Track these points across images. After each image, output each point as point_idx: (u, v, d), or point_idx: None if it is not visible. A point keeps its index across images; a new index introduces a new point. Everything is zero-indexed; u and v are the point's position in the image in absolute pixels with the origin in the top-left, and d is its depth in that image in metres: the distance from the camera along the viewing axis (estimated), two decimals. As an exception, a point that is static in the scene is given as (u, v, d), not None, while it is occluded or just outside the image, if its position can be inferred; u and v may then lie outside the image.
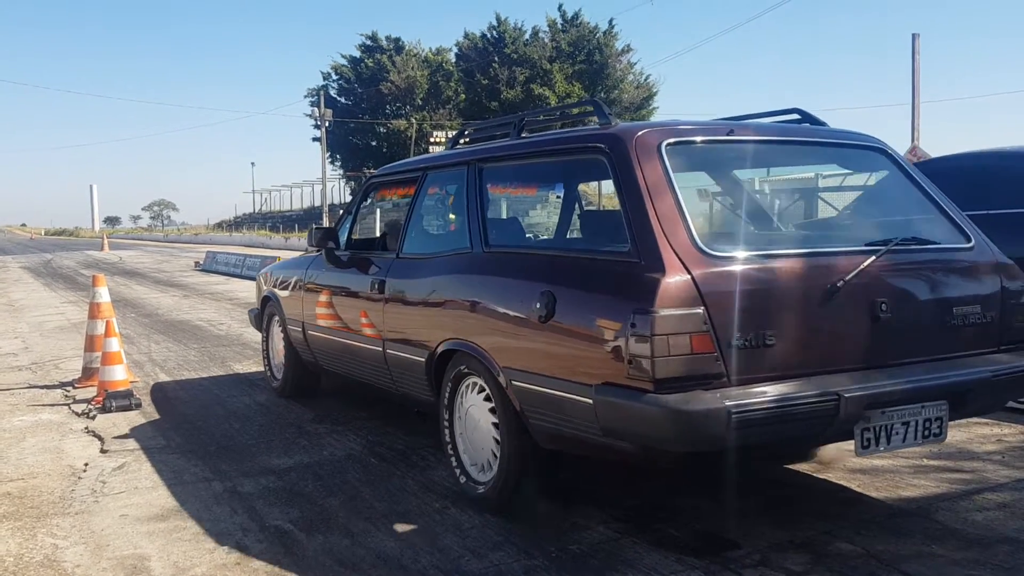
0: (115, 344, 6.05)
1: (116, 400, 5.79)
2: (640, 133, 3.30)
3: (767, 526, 3.49)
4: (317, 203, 60.50)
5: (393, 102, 60.29)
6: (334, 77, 64.24)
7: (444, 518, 3.66)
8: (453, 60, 60.38)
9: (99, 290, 6.71)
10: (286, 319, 5.88)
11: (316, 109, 51.94)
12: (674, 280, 2.81)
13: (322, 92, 56.29)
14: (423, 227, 4.83)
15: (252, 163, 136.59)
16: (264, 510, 3.81)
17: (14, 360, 8.19)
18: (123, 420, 5.56)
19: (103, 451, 4.84)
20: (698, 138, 3.49)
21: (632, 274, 2.93)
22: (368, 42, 62.47)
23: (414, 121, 56.45)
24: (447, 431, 3.95)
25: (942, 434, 3.12)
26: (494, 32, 55.98)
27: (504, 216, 4.33)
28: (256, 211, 77.27)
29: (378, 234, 5.42)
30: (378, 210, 6.70)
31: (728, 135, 3.56)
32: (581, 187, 3.77)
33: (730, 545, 3.32)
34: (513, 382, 3.36)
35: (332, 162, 61.89)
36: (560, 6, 55.77)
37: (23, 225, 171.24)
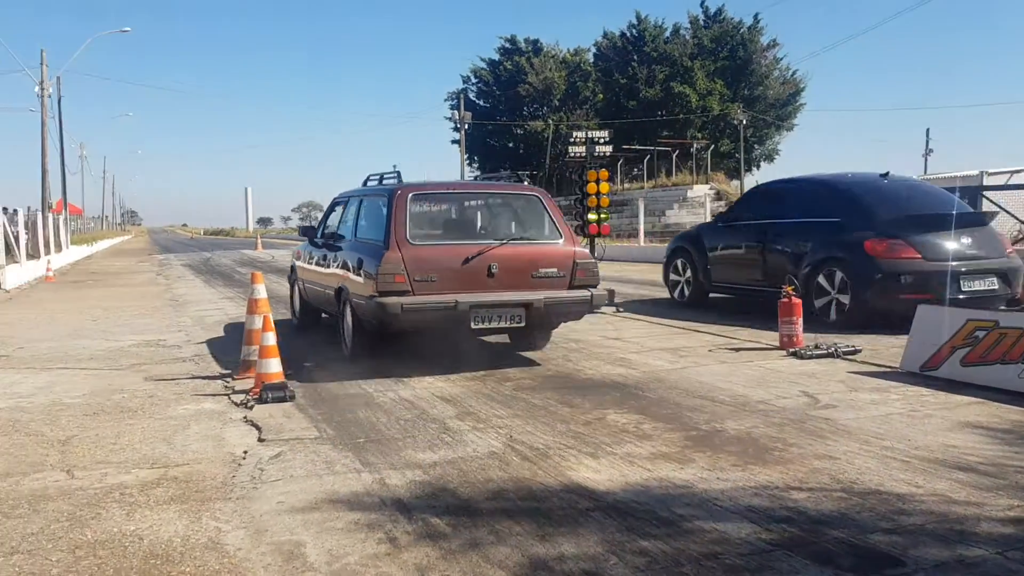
0: (272, 338, 6.36)
1: (272, 392, 6.09)
2: (399, 191, 7.28)
3: (934, 544, 3.29)
4: (455, 204, 61.64)
5: (530, 103, 60.76)
6: (473, 80, 65.35)
7: (588, 520, 3.64)
8: (591, 60, 60.25)
9: (257, 287, 7.07)
10: (298, 279, 10.01)
11: (456, 112, 52.96)
12: (391, 253, 6.82)
13: (462, 95, 57.36)
14: (346, 227, 8.63)
15: (394, 165, 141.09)
16: (412, 503, 3.90)
17: (179, 352, 8.74)
18: (278, 411, 5.83)
19: (260, 440, 5.10)
20: (430, 191, 7.87)
21: (380, 251, 6.96)
22: (507, 45, 63.19)
23: (551, 122, 56.67)
24: (341, 326, 7.99)
25: (522, 322, 7.05)
26: (633, 31, 55.44)
27: (365, 222, 8.06)
28: (397, 212, 79.36)
29: (333, 231, 9.18)
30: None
31: (448, 190, 8.22)
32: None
33: (892, 562, 3.15)
34: (352, 299, 7.46)
35: (470, 164, 62.96)
36: (703, 2, 54.68)
37: (184, 225, 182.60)
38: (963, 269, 8.92)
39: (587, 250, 7.76)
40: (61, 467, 4.59)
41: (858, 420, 5.34)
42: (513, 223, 8.01)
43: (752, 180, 46.23)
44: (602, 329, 9.78)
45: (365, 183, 8.85)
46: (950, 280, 8.71)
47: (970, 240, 9.21)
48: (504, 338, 8.70)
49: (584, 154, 11.64)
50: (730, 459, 4.52)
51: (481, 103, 63.63)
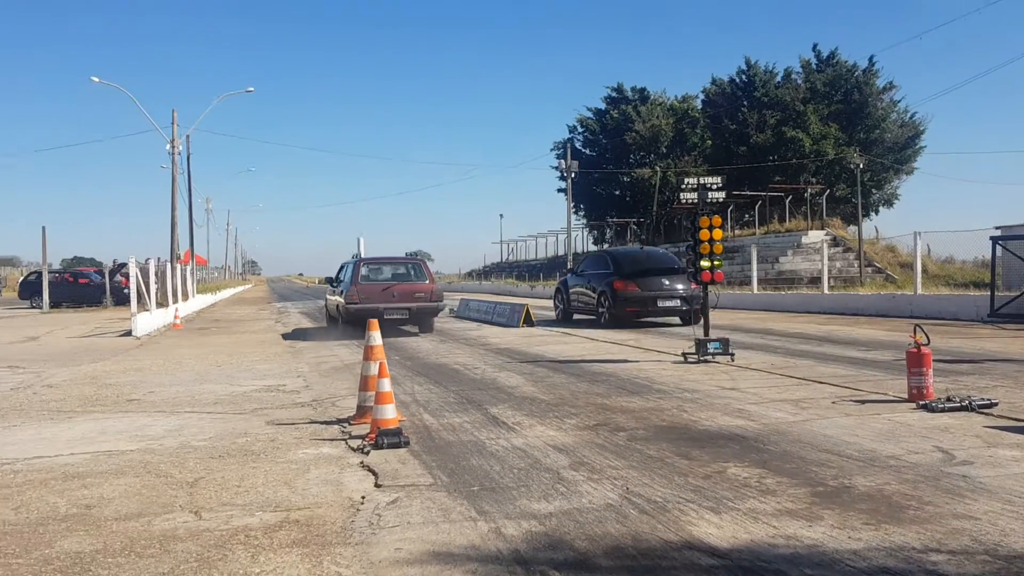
0: (387, 384, 6.47)
1: (387, 437, 6.18)
2: (358, 261, 18.46)
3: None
4: (561, 252, 61.86)
5: (637, 151, 60.84)
6: (579, 130, 66.01)
7: (712, 577, 3.51)
8: (699, 106, 59.99)
9: (373, 334, 7.22)
10: (327, 303, 20.45)
11: (562, 161, 53.39)
12: (352, 287, 17.15)
13: (568, 144, 57.90)
14: (342, 276, 18.90)
15: (500, 215, 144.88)
16: (529, 554, 3.86)
17: (297, 397, 9.00)
18: (393, 457, 5.91)
19: (377, 485, 5.16)
20: (371, 261, 18.50)
21: (349, 286, 17.39)
22: (613, 94, 63.70)
23: (658, 169, 56.49)
24: (337, 319, 18.45)
25: (408, 316, 17.27)
26: (743, 76, 54.99)
27: (347, 274, 18.18)
28: (503, 260, 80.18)
29: (339, 278, 19.05)
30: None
31: (379, 261, 18.75)
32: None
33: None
34: (340, 307, 17.96)
35: (576, 212, 63.29)
36: (815, 46, 53.94)
37: (300, 275, 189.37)
38: (661, 295, 17.66)
39: (438, 284, 18.27)
40: (189, 508, 4.76)
41: (998, 478, 5.01)
42: (407, 273, 18.08)
43: (871, 225, 44.81)
44: (717, 379, 9.56)
45: (352, 257, 18.71)
46: (652, 301, 17.54)
47: (670, 280, 17.88)
48: (614, 389, 8.70)
49: (696, 200, 11.51)
50: (861, 517, 4.30)
51: (587, 152, 64.09)
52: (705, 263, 11.25)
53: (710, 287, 11.66)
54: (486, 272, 76.75)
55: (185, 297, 29.94)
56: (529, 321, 19.38)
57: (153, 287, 22.20)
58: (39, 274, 36.66)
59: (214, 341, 17.51)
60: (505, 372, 10.81)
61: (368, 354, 7.20)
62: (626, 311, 17.97)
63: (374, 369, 6.86)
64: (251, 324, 23.56)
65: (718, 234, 11.28)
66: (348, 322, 17.04)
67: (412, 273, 18.02)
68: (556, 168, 61.22)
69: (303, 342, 16.66)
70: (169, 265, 26.77)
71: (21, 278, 48.96)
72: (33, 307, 35.19)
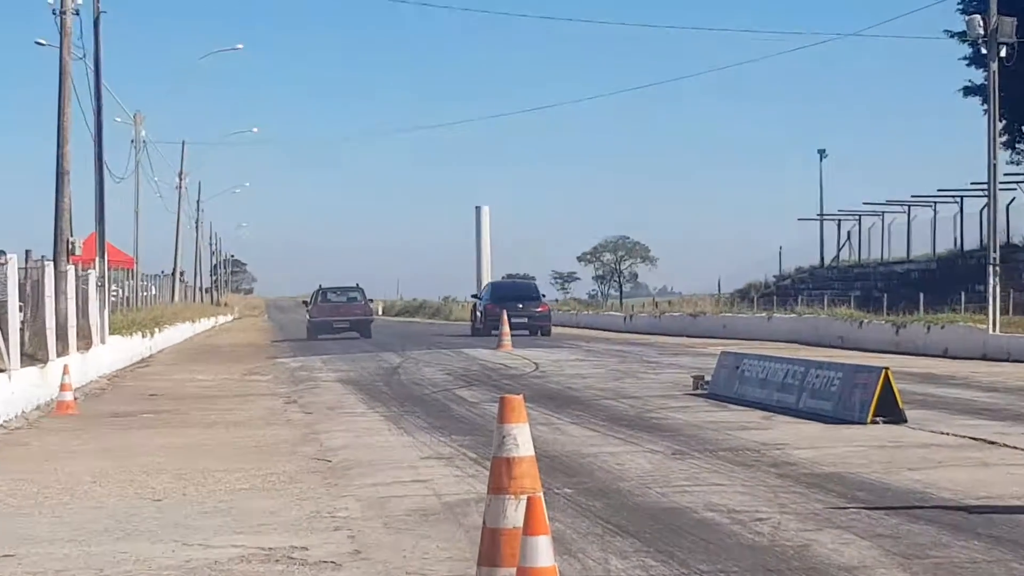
0: (544, 547, 6.54)
1: None
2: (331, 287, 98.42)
3: None
4: (973, 235, 61.36)
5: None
6: None
7: None
8: None
9: (512, 430, 7.56)
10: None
11: (975, 18, 53.00)
12: (314, 304, 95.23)
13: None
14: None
15: (820, 150, 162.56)
16: None
17: (334, 576, 9.17)
18: None
19: None
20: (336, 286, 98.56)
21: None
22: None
23: None
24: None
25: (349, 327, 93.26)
26: None
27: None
28: (826, 263, 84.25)
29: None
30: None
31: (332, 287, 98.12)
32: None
33: None
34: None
35: (1009, 133, 62.81)
36: None
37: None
38: (516, 314, 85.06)
39: (370, 306, 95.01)
40: None
41: None
42: (353, 296, 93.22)
43: None
44: None
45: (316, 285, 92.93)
46: (508, 319, 73.42)
47: (524, 304, 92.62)
48: None
49: None
50: None
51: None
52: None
53: None
54: (784, 290, 76.86)
55: (87, 341, 31.00)
56: (890, 410, 19.13)
57: (14, 316, 22.80)
58: None
59: (148, 444, 18.10)
60: (829, 531, 10.62)
61: (499, 477, 7.19)
62: (496, 324, 69.44)
63: (513, 513, 6.87)
64: (230, 404, 24.29)
65: None
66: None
67: (357, 297, 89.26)
68: (961, 38, 60.39)
69: (357, 460, 17.02)
70: (50, 268, 27.40)
71: None
72: None
